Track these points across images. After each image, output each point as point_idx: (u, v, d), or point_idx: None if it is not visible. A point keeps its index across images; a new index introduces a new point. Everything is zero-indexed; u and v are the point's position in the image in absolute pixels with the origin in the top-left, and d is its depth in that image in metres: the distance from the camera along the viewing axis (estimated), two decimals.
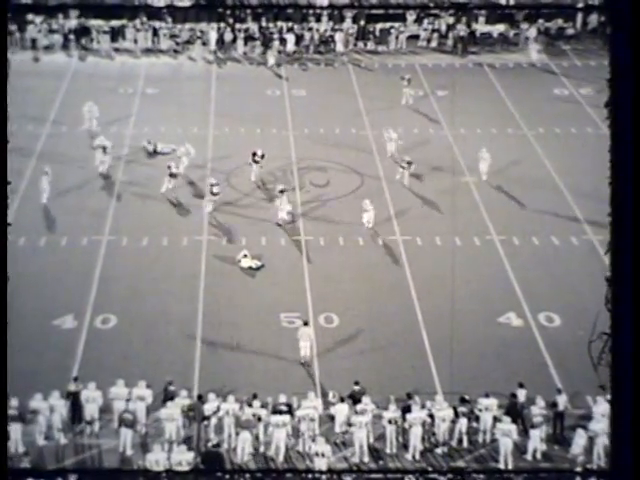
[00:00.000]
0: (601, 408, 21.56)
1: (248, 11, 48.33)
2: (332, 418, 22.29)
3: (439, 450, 21.91)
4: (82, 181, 34.42)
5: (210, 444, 21.80)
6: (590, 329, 22.68)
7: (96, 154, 34.98)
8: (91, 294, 27.76)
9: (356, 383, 22.84)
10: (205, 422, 21.88)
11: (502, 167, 36.07)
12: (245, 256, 29.32)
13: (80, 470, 19.67)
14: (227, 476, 19.99)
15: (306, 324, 25.26)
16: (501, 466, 21.42)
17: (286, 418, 21.47)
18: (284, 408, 21.75)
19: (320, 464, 20.71)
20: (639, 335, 10.83)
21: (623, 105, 10.69)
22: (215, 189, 32.12)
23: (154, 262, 29.63)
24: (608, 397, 20.69)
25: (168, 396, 22.37)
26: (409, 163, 34.40)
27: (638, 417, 10.80)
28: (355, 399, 22.39)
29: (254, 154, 34.53)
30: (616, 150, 10.83)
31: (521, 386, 22.64)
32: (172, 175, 33.42)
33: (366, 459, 21.61)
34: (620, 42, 10.66)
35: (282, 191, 31.82)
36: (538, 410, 21.82)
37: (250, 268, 29.12)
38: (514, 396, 22.32)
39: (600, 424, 21.06)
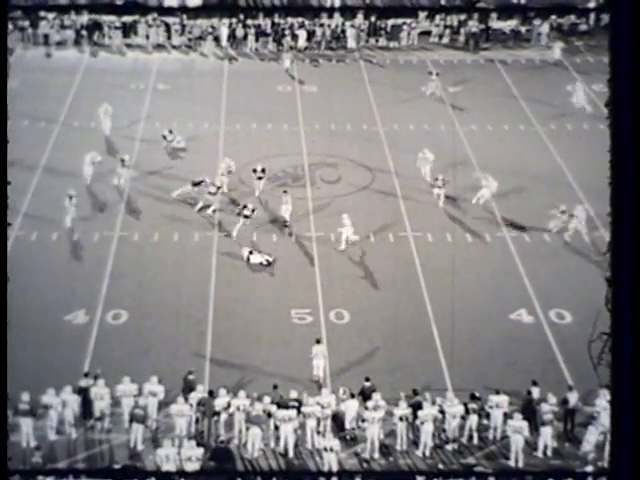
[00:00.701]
0: (604, 402, 21.63)
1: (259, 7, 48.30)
2: (341, 414, 22.27)
3: (449, 447, 21.89)
4: (93, 177, 34.45)
5: (219, 440, 21.80)
6: (592, 328, 22.59)
7: (117, 169, 33.98)
8: (102, 289, 27.83)
9: (367, 379, 22.84)
10: (215, 418, 21.90)
11: (513, 163, 35.99)
12: (251, 252, 29.31)
13: (79, 470, 19.68)
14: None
15: (319, 342, 24.44)
16: (511, 463, 21.38)
17: (293, 413, 21.48)
18: (293, 403, 21.76)
19: (330, 459, 20.71)
20: (639, 335, 10.79)
21: (623, 105, 10.65)
22: (247, 212, 30.60)
23: (165, 258, 29.68)
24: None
25: (188, 386, 22.43)
26: (444, 181, 32.55)
27: (638, 417, 10.76)
28: (365, 395, 22.39)
29: (254, 170, 33.47)
30: (616, 150, 10.79)
31: (534, 384, 22.56)
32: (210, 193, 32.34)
33: (376, 455, 21.61)
34: (620, 42, 10.61)
35: (285, 191, 31.67)
36: (549, 407, 21.78)
37: (261, 264, 29.11)
38: (529, 393, 22.27)
39: None
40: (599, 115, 39.10)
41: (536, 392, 22.44)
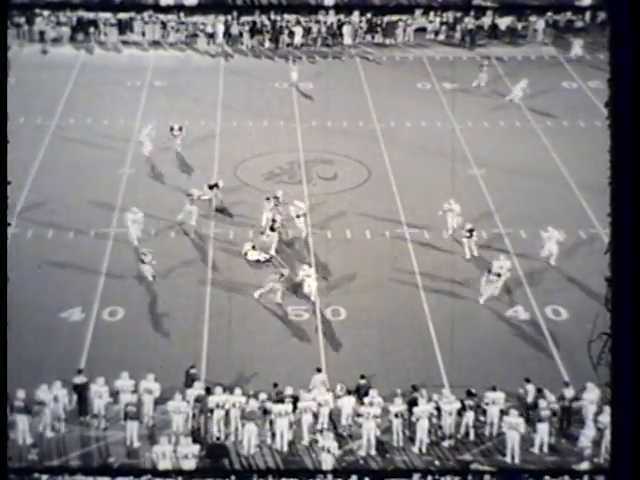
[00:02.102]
0: (592, 395, 21.82)
1: (255, 4, 48.27)
2: (337, 411, 22.28)
3: (446, 443, 21.90)
4: (90, 174, 34.45)
5: (214, 437, 21.78)
6: (592, 328, 22.65)
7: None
8: (98, 286, 27.79)
9: (362, 377, 22.85)
10: (209, 414, 21.88)
11: (509, 160, 36.01)
12: (254, 247, 29.33)
13: (75, 468, 19.67)
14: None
15: (319, 370, 23.30)
16: (508, 459, 21.40)
17: (288, 407, 21.48)
18: (288, 399, 21.77)
19: (326, 460, 20.71)
20: (639, 335, 10.84)
21: (623, 105, 10.70)
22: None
23: (161, 254, 29.63)
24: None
25: (189, 380, 22.40)
26: (471, 231, 29.43)
27: (638, 417, 10.81)
28: (361, 393, 22.40)
29: (211, 187, 32.11)
30: (616, 150, 10.84)
31: (527, 381, 22.58)
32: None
33: (373, 452, 21.62)
34: (620, 42, 10.65)
35: (268, 198, 30.92)
36: (545, 403, 21.80)
37: (258, 261, 29.13)
38: (540, 391, 22.30)
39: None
40: (597, 112, 39.26)
41: (531, 389, 22.43)
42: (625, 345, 10.75)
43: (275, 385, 22.28)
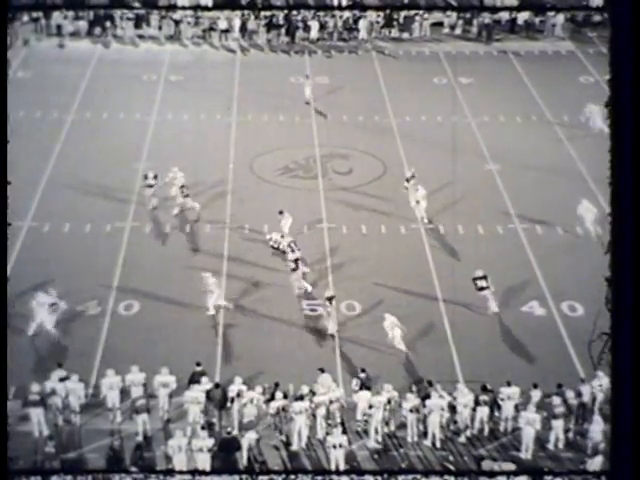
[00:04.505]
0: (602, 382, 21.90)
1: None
2: (349, 407, 22.31)
3: (462, 437, 21.88)
4: (106, 168, 34.57)
5: (226, 430, 21.80)
6: (592, 328, 22.55)
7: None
8: (114, 280, 27.89)
9: (362, 370, 22.87)
10: (228, 405, 21.91)
11: (526, 155, 35.89)
12: (282, 236, 29.26)
13: (78, 470, 19.75)
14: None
15: (323, 371, 22.94)
16: (522, 455, 21.34)
17: (307, 405, 21.51)
18: (308, 396, 21.79)
19: (337, 456, 20.71)
20: (639, 335, 10.81)
21: (623, 105, 10.66)
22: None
23: (177, 248, 29.73)
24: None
25: (195, 377, 22.44)
26: (486, 280, 26.72)
27: (638, 417, 10.78)
28: (364, 386, 22.44)
29: (183, 187, 31.12)
30: (616, 150, 10.81)
31: (535, 387, 22.48)
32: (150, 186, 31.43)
33: (380, 439, 21.63)
34: (620, 42, 10.61)
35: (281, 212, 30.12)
36: (559, 400, 21.74)
37: (284, 252, 28.99)
38: (560, 386, 22.25)
39: None
40: None
41: (537, 395, 22.33)
42: (625, 345, 10.72)
43: (276, 384, 22.15)
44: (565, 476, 19.54)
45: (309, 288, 27.30)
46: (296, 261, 27.38)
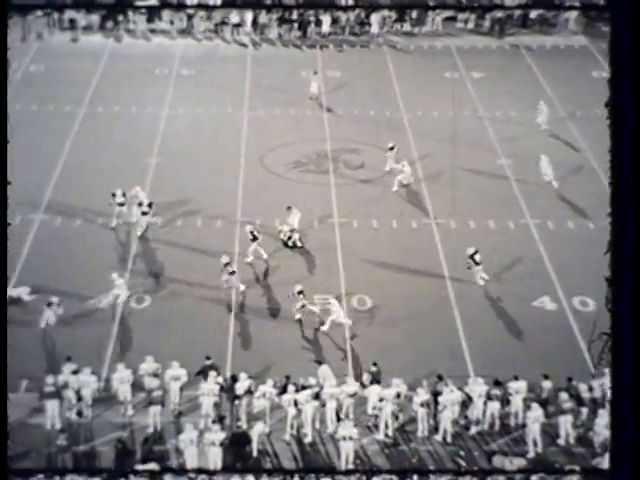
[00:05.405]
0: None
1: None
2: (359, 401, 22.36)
3: (474, 430, 21.88)
4: (117, 162, 34.66)
5: (236, 425, 21.86)
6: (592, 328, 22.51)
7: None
8: (125, 274, 27.97)
9: (374, 364, 22.89)
10: (236, 402, 21.99)
11: (537, 150, 35.79)
12: (292, 230, 29.31)
13: (78, 470, 19.83)
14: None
15: (320, 363, 23.41)
16: (530, 451, 21.30)
17: (313, 393, 21.59)
18: (316, 387, 21.86)
19: (347, 448, 20.76)
20: (639, 335, 10.78)
21: (623, 105, 10.63)
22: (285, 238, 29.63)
23: (189, 242, 29.78)
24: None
25: (204, 371, 22.50)
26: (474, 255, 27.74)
27: (638, 417, 10.75)
28: (375, 380, 22.47)
29: (139, 204, 29.90)
30: (616, 150, 10.78)
31: (546, 377, 22.49)
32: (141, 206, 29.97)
33: (390, 433, 21.69)
34: (620, 42, 10.58)
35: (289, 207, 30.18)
36: (566, 396, 21.72)
37: (294, 246, 29.11)
38: (570, 379, 22.28)
39: None
40: None
41: (548, 385, 22.33)
42: (625, 345, 10.69)
43: (287, 377, 22.21)
44: (564, 475, 19.51)
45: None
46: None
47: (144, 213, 29.91)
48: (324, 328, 25.41)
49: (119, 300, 26.35)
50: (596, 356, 22.19)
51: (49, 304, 25.25)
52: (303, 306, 25.76)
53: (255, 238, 28.49)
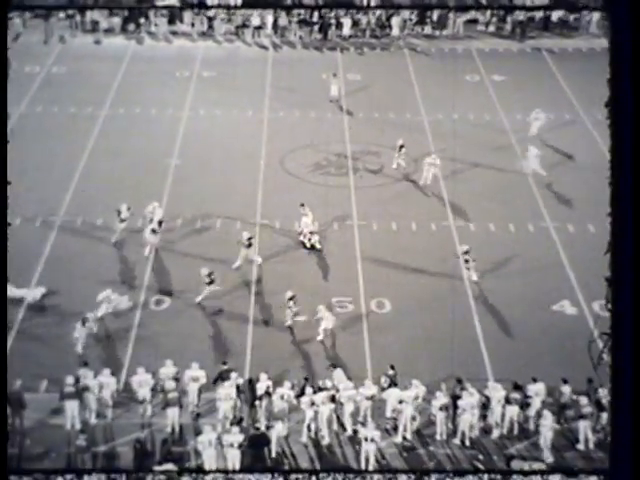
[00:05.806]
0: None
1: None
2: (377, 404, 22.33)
3: (494, 434, 21.80)
4: (138, 163, 34.81)
5: (254, 426, 21.87)
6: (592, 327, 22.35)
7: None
8: (145, 275, 28.06)
9: (391, 367, 22.87)
10: (257, 402, 22.00)
11: (558, 153, 35.68)
12: (312, 233, 29.34)
13: (78, 470, 19.91)
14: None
15: (335, 367, 23.25)
16: (545, 453, 21.22)
17: (330, 394, 21.58)
18: (332, 389, 21.87)
19: (369, 449, 20.75)
20: (639, 335, 10.73)
21: (623, 105, 10.60)
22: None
23: (207, 243, 29.83)
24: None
25: (221, 375, 22.52)
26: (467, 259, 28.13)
27: (638, 417, 10.70)
28: (392, 383, 22.44)
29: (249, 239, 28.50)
30: (616, 150, 10.75)
31: (565, 382, 22.38)
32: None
33: (409, 436, 21.65)
34: (620, 42, 10.55)
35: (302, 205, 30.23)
36: (585, 401, 21.61)
37: (312, 247, 29.14)
38: (590, 381, 22.18)
39: None
40: None
41: (567, 390, 22.22)
42: (625, 345, 10.64)
43: (306, 379, 22.26)
44: (564, 475, 19.43)
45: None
46: None
47: (153, 231, 29.07)
48: (319, 338, 25.26)
49: (121, 306, 26.21)
50: (596, 356, 22.10)
51: (84, 321, 24.45)
52: (296, 314, 25.61)
53: (250, 245, 28.30)
